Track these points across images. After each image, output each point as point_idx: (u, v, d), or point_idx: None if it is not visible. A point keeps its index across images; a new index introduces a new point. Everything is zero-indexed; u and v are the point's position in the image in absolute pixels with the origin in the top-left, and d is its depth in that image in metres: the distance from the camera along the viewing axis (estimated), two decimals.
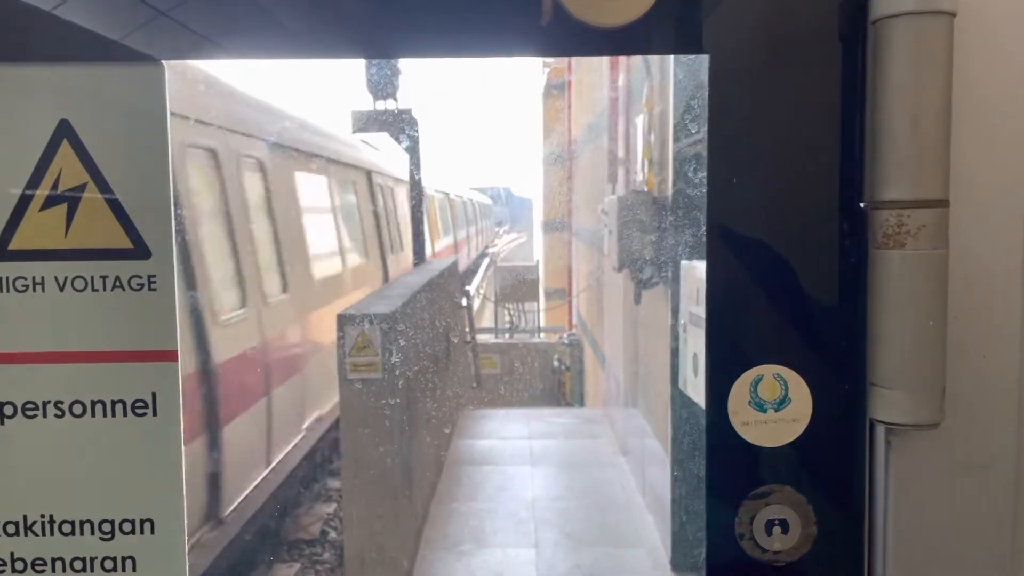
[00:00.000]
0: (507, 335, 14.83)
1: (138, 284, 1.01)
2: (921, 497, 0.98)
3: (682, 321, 4.38)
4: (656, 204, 6.60)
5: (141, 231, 1.00)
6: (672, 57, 5.11)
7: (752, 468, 1.00)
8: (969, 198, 0.94)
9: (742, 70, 0.97)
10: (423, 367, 7.32)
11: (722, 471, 1.01)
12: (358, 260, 8.51)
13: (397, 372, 6.11)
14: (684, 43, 1.01)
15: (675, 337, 5.70)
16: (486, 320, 15.78)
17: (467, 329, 10.76)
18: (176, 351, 1.02)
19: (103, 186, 1.00)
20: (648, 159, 6.99)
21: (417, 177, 10.13)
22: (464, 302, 10.84)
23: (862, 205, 0.96)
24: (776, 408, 0.99)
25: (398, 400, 6.12)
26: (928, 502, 0.98)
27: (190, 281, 4.75)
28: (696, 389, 4.16)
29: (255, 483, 5.52)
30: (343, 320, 5.93)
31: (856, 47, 0.96)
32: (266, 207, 6.02)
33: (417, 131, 9.57)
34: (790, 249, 0.98)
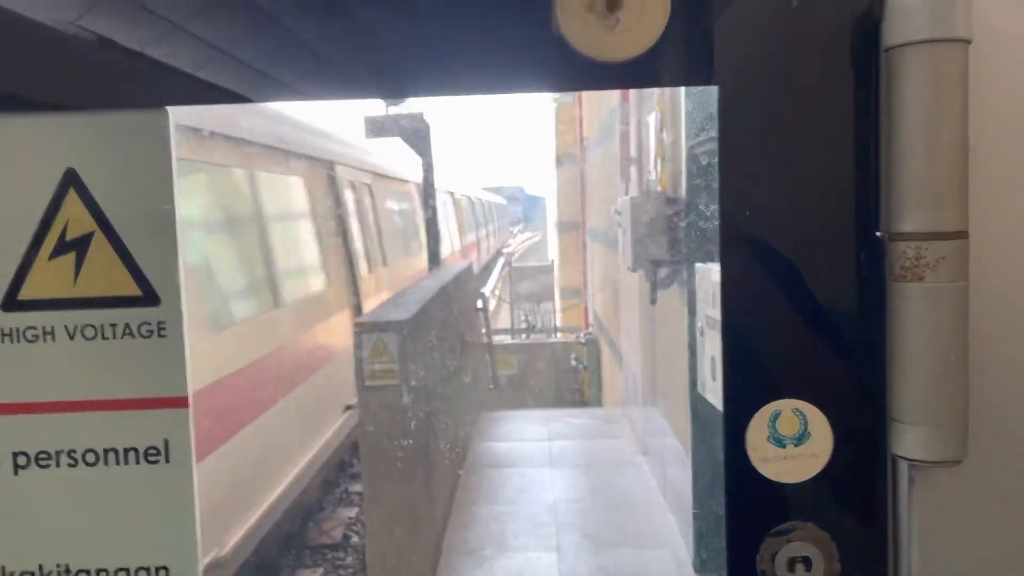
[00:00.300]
0: (523, 336, 14.83)
1: (148, 331, 1.00)
2: (946, 533, 0.96)
3: (699, 324, 4.36)
4: (670, 204, 6.58)
5: (149, 278, 1.00)
6: None
7: (773, 505, 0.98)
8: (989, 229, 0.92)
9: (752, 101, 0.95)
10: (441, 372, 7.33)
11: (742, 508, 0.99)
12: (417, 248, 13.25)
13: (415, 378, 6.12)
14: (692, 75, 0.99)
15: (692, 338, 5.67)
16: (502, 321, 15.78)
17: (484, 331, 10.76)
18: (187, 397, 1.01)
19: (110, 234, 0.99)
20: (661, 158, 6.95)
21: (431, 181, 10.16)
22: (480, 304, 10.84)
23: (879, 235, 0.94)
24: (795, 443, 0.97)
25: (416, 405, 6.13)
26: (953, 538, 0.96)
27: (349, 256, 9.15)
28: (715, 393, 4.14)
29: None
30: (360, 328, 5.94)
31: (869, 76, 0.94)
32: (373, 214, 10.67)
33: (430, 135, 9.58)
34: (807, 282, 0.96)
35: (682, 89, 6.18)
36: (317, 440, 8.39)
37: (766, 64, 0.95)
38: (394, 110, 10.05)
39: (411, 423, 6.06)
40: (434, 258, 11.03)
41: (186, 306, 1.01)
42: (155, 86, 1.00)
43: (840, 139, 0.95)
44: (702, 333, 4.34)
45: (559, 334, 15.17)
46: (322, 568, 8.14)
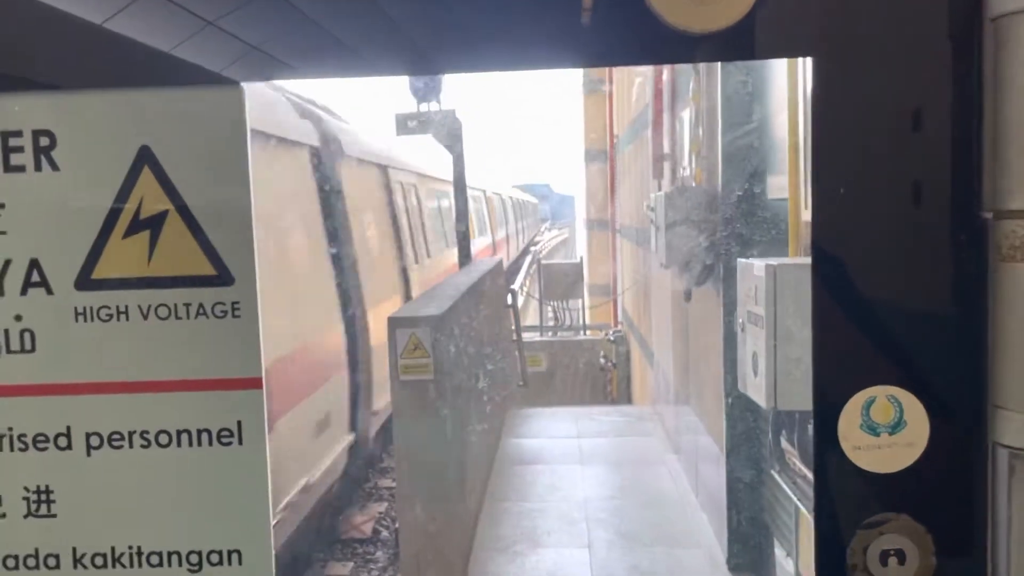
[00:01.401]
0: (551, 333, 14.78)
1: (221, 311, 0.98)
2: None
3: (740, 320, 4.30)
4: (705, 199, 6.50)
5: (224, 257, 0.98)
6: None
7: (865, 495, 0.94)
8: None
9: (849, 73, 0.91)
10: (472, 367, 7.31)
11: (833, 499, 0.95)
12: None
13: (448, 372, 6.11)
14: (786, 46, 0.96)
15: (729, 335, 5.61)
16: (530, 318, 15.75)
17: (513, 328, 10.74)
18: (261, 378, 0.99)
19: (185, 212, 0.98)
20: (696, 153, 6.88)
21: (462, 178, 10.12)
22: (509, 301, 10.82)
23: (982, 215, 0.90)
24: (890, 432, 0.93)
25: (449, 399, 6.12)
26: None
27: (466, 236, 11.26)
28: (756, 389, 4.08)
29: None
30: (394, 323, 5.94)
31: (972, 46, 0.90)
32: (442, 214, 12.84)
33: (462, 132, 9.56)
34: (903, 262, 0.92)
35: (719, 84, 6.10)
36: None
37: (864, 34, 0.91)
38: (424, 107, 10.03)
39: (444, 417, 6.05)
40: (464, 255, 11.01)
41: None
42: (230, 61, 0.99)
43: (940, 113, 0.91)
44: (743, 329, 4.29)
45: (588, 331, 15.11)
46: (352, 562, 8.16)
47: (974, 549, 0.95)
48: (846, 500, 0.95)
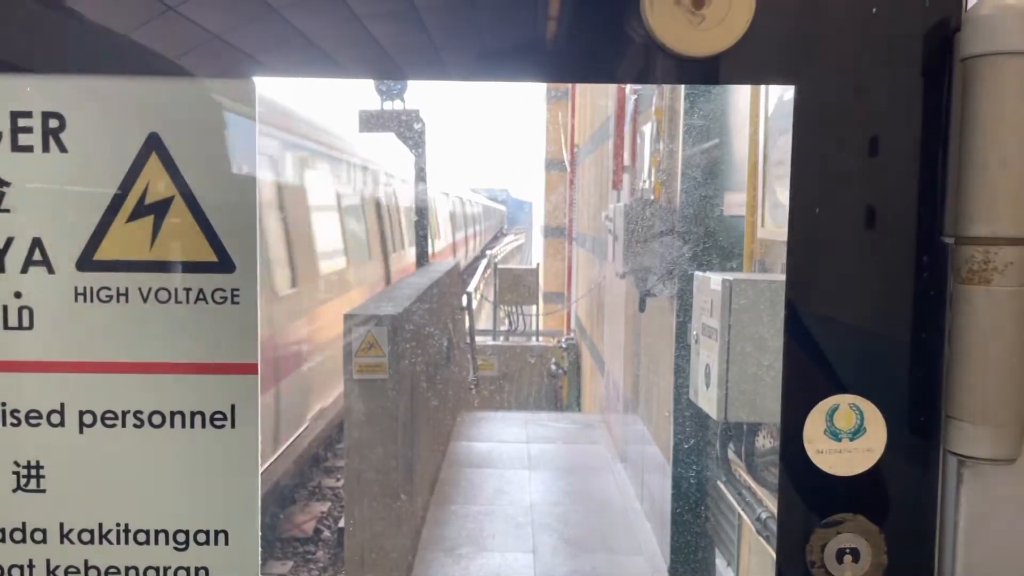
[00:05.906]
0: (504, 337, 14.84)
1: (221, 297, 1.01)
2: (992, 531, 0.99)
3: (694, 332, 4.40)
4: (664, 212, 6.62)
5: (226, 245, 1.01)
6: None
7: (825, 496, 1.01)
8: None
9: (828, 102, 0.98)
10: (426, 368, 7.32)
11: (795, 498, 1.02)
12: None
13: (402, 373, 6.12)
14: (771, 74, 1.02)
15: (681, 347, 5.72)
16: (483, 321, 15.80)
17: (467, 330, 10.77)
18: (256, 364, 1.02)
19: (190, 200, 1.00)
20: (656, 167, 7.00)
21: (423, 178, 10.13)
22: (465, 303, 10.84)
23: (944, 240, 0.98)
24: (851, 437, 1.00)
25: (403, 399, 6.12)
26: (999, 536, 0.99)
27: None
28: (708, 400, 4.18)
29: None
30: (350, 320, 5.93)
31: (943, 83, 0.97)
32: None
33: (424, 133, 9.57)
34: (871, 280, 0.99)
35: (682, 98, 6.23)
36: None
37: (843, 67, 0.98)
38: (389, 105, 10.03)
39: (396, 417, 6.06)
40: (421, 256, 11.01)
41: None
42: (241, 56, 1.02)
43: (910, 144, 0.98)
44: (697, 341, 4.39)
45: (540, 338, 15.20)
46: (292, 561, 8.08)
47: (923, 550, 1.02)
48: (807, 500, 1.01)
